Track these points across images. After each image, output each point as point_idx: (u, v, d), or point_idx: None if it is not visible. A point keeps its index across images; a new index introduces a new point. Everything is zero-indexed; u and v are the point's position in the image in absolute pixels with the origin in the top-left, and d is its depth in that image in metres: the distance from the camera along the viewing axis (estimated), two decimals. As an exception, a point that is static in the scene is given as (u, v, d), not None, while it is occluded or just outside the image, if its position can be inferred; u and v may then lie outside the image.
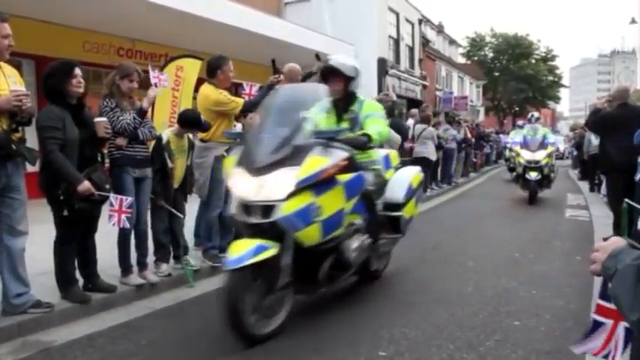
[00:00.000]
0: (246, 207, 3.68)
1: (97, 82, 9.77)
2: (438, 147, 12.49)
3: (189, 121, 5.17)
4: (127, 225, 4.43)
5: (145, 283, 4.80)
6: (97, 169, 4.24)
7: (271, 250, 3.54)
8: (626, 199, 2.76)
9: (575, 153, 19.82)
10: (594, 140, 11.38)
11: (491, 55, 46.51)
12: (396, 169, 5.29)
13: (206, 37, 11.14)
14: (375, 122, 4.49)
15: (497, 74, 44.81)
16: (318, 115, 4.24)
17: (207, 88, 5.45)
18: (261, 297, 3.63)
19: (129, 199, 4.37)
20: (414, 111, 13.12)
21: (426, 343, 3.70)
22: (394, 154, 5.49)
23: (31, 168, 4.00)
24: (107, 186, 4.25)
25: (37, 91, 7.02)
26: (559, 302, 4.62)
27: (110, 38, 11.10)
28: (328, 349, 3.60)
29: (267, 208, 3.59)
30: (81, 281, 4.42)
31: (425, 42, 26.36)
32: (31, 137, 3.97)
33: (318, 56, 6.48)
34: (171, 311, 4.51)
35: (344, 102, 4.67)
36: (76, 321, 4.10)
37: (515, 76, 42.91)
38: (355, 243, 4.20)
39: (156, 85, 4.89)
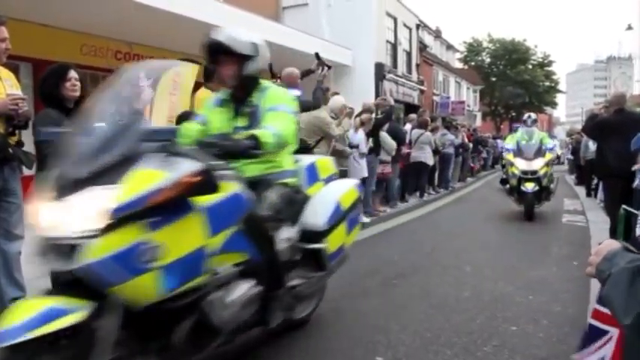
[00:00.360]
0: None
1: (95, 85, 9.76)
2: (435, 152, 12.52)
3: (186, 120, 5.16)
4: None
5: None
6: None
7: (74, 316, 2.22)
8: (623, 205, 2.77)
9: (572, 158, 19.87)
10: (591, 145, 11.41)
11: (488, 60, 46.65)
12: (328, 181, 4.07)
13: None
14: (277, 118, 3.25)
15: (494, 79, 44.94)
16: (211, 109, 3.52)
17: (203, 92, 5.46)
18: None
19: None
20: (413, 116, 13.15)
21: (423, 348, 3.69)
22: (325, 162, 4.25)
23: (27, 171, 3.99)
24: None
25: (34, 95, 7.01)
26: (556, 308, 4.62)
27: (108, 42, 11.09)
28: (323, 355, 3.60)
29: (74, 248, 2.28)
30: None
31: (422, 47, 26.41)
32: (28, 140, 3.96)
33: (318, 55, 6.47)
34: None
35: (242, 91, 3.45)
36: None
37: (513, 81, 43.06)
38: (229, 296, 2.87)
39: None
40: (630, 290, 1.07)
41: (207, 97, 5.41)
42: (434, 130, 12.84)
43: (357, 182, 4.37)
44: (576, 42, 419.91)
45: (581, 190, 14.54)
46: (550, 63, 46.98)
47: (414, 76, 23.69)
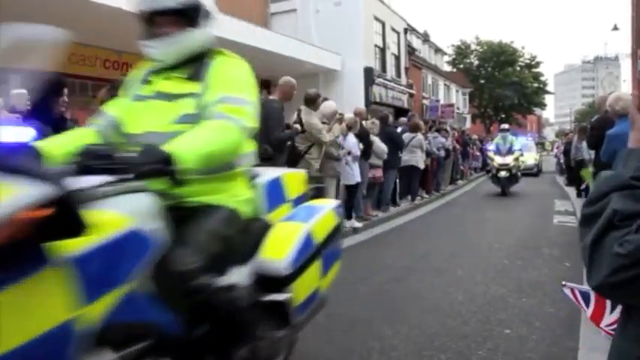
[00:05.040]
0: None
1: (84, 94, 9.74)
2: (427, 155, 12.53)
3: None
4: None
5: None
6: None
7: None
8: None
9: (559, 159, 19.88)
10: (581, 146, 11.45)
11: (476, 62, 46.81)
12: (298, 202, 3.02)
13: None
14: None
15: (482, 81, 45.13)
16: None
17: None
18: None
19: None
20: (403, 119, 13.18)
21: (417, 353, 3.69)
22: (294, 177, 3.14)
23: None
24: None
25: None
26: (549, 309, 4.64)
27: (96, 50, 11.06)
28: (319, 362, 3.60)
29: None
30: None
31: (411, 50, 26.50)
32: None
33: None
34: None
35: None
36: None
37: (501, 83, 43.25)
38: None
39: None
40: (591, 261, 1.14)
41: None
42: (425, 134, 12.84)
43: (336, 203, 3.24)
44: (563, 43, 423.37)
45: (571, 191, 14.61)
46: (538, 64, 47.20)
47: (403, 79, 23.74)
